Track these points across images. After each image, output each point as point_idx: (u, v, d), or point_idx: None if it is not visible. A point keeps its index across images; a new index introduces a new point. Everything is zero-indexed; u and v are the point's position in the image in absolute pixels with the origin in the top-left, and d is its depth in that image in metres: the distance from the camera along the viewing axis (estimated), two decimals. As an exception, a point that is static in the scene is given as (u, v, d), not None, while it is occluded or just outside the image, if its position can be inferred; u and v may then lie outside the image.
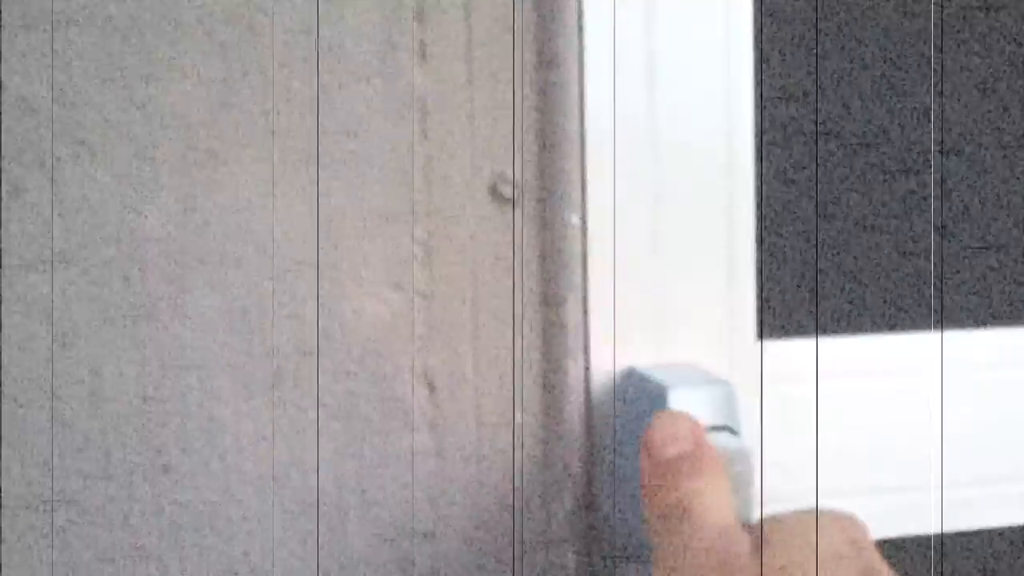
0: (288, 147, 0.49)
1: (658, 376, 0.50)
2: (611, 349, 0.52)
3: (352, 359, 0.50)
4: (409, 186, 0.50)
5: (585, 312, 0.52)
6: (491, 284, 0.52)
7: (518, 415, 0.52)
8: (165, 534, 0.48)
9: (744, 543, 0.39)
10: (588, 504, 0.53)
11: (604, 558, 0.52)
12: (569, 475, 0.52)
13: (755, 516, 0.45)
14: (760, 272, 0.55)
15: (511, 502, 0.52)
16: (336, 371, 0.50)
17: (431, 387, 0.51)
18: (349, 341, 0.50)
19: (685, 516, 0.41)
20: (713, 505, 0.41)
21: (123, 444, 0.47)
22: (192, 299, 0.48)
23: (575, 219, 0.51)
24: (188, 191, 0.47)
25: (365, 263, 0.50)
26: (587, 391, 0.52)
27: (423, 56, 0.50)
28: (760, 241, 0.55)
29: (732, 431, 0.47)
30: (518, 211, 0.52)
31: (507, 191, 0.51)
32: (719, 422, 0.48)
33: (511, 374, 0.52)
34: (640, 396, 0.50)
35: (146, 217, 0.47)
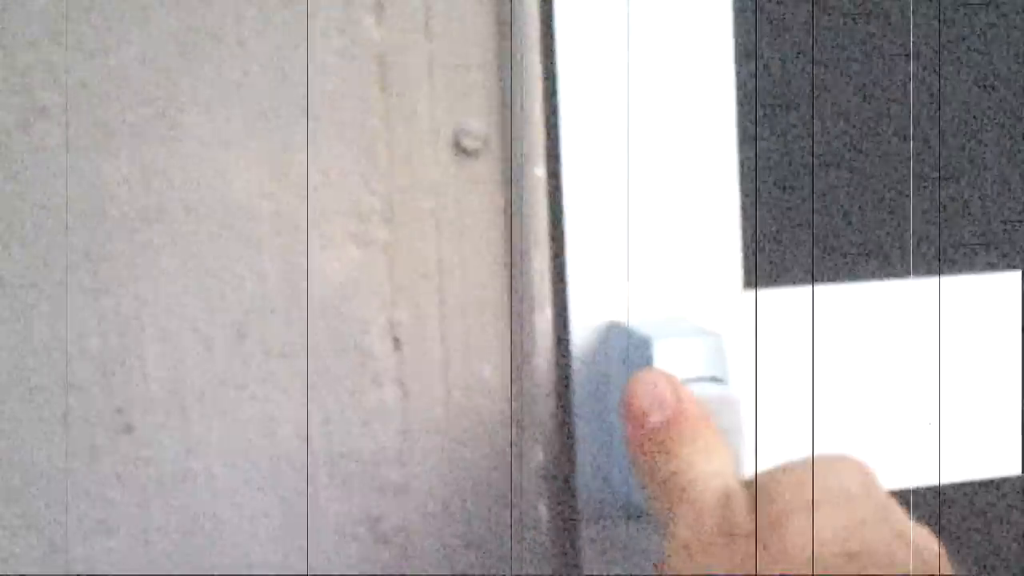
0: (247, 103, 0.48)
1: (643, 330, 0.48)
2: (592, 303, 0.51)
3: (315, 314, 0.49)
4: (369, 140, 0.50)
5: (561, 266, 0.51)
6: (454, 238, 0.51)
7: (515, 385, 0.52)
8: (128, 495, 0.47)
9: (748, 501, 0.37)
10: (561, 458, 0.52)
11: (585, 519, 0.51)
12: (540, 431, 0.51)
13: (749, 466, 0.44)
14: (755, 218, 0.54)
15: (480, 456, 0.51)
16: (300, 327, 0.49)
17: (396, 342, 0.51)
18: (312, 296, 0.49)
19: (686, 487, 0.39)
20: (711, 470, 0.40)
21: (83, 404, 0.47)
22: (151, 256, 0.47)
23: (538, 171, 0.51)
24: (147, 148, 0.47)
25: (325, 218, 0.49)
26: (559, 345, 0.51)
27: (381, 8, 0.50)
28: (755, 185, 0.54)
29: (717, 380, 0.46)
30: (482, 163, 0.51)
31: (470, 144, 0.51)
32: (708, 374, 0.46)
33: (477, 328, 0.51)
34: (624, 350, 0.49)
35: (104, 174, 0.46)
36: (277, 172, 0.48)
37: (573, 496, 0.51)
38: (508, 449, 0.52)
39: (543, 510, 0.52)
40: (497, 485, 0.52)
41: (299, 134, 0.49)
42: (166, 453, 0.48)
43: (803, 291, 0.55)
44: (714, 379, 0.46)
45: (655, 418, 0.42)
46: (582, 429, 0.51)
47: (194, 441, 0.48)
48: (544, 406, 0.51)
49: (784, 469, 0.38)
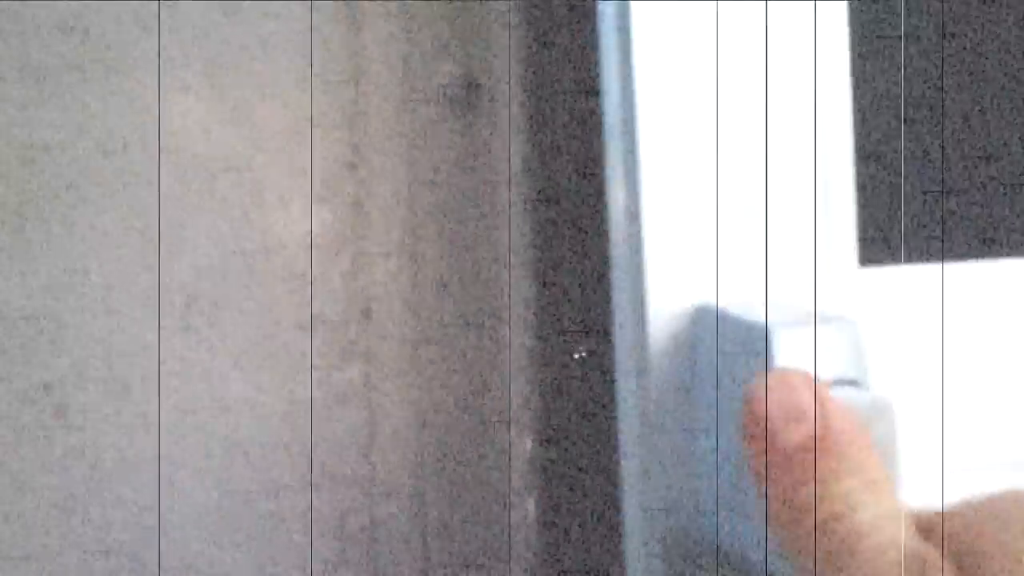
0: (196, 48, 0.43)
1: (747, 315, 0.37)
2: (670, 286, 0.41)
3: (278, 280, 0.44)
4: (338, 88, 0.45)
5: (637, 242, 0.44)
6: (430, 195, 0.46)
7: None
8: (59, 485, 0.41)
9: (923, 541, 0.28)
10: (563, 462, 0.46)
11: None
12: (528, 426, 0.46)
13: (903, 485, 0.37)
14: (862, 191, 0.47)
15: (450, 439, 0.46)
16: (259, 296, 0.43)
17: (366, 313, 0.45)
18: (273, 261, 0.44)
19: (850, 538, 0.29)
20: (881, 512, 0.30)
21: (6, 379, 0.40)
22: (89, 212, 0.41)
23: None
24: (81, 98, 0.41)
25: (291, 173, 0.44)
26: (638, 328, 0.43)
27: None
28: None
29: (854, 382, 0.36)
30: (480, 117, 0.46)
31: (463, 94, 0.45)
32: (844, 373, 0.36)
33: (452, 297, 0.45)
34: (726, 341, 0.38)
35: (36, 127, 0.40)
36: (238, 121, 0.43)
37: (618, 537, 0.44)
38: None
39: (528, 442, 0.46)
40: (485, 414, 0.46)
41: (260, 83, 0.43)
42: (104, 438, 0.41)
43: (923, 270, 0.47)
44: (852, 382, 0.36)
45: (796, 435, 0.31)
46: (662, 445, 0.41)
47: (136, 424, 0.42)
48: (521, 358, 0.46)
49: (959, 515, 0.29)
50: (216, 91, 0.43)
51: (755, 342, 0.36)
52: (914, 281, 0.45)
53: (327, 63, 0.45)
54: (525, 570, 0.47)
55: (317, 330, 0.44)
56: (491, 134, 0.47)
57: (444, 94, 0.46)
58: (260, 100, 0.44)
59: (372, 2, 0.45)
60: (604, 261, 0.44)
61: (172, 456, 0.42)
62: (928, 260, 0.46)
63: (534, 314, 0.46)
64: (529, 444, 0.47)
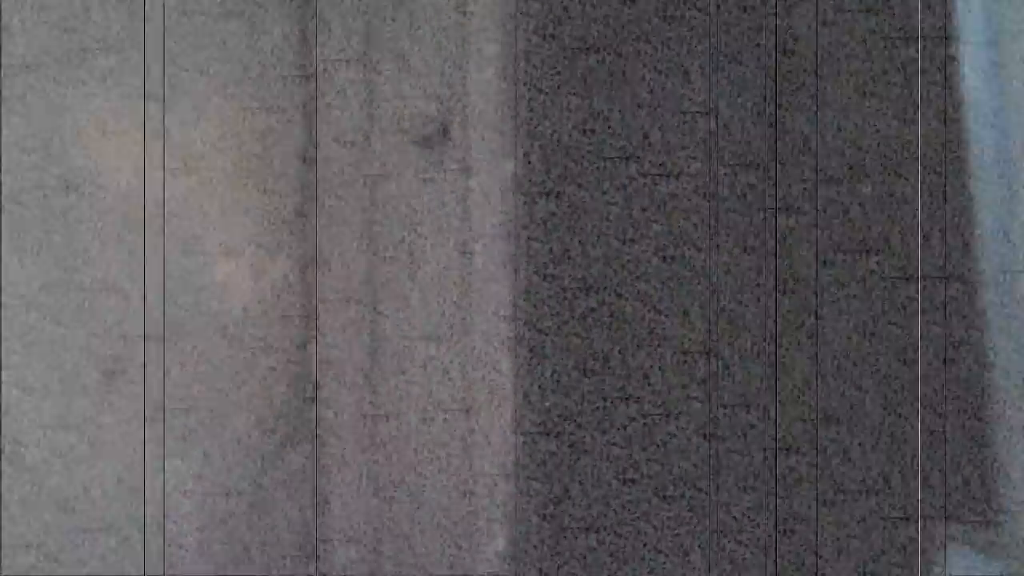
0: (130, 83, 0.38)
1: None
2: None
3: (213, 345, 0.39)
4: (288, 123, 0.40)
5: None
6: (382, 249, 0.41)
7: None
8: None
9: None
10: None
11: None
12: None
13: None
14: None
15: (421, 526, 0.41)
16: (192, 362, 0.38)
17: (315, 387, 0.40)
18: (209, 323, 0.39)
19: None
20: None
21: None
22: (13, 262, 0.37)
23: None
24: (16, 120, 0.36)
25: (232, 224, 0.39)
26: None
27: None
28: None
29: None
30: (447, 156, 0.41)
31: (430, 132, 0.41)
32: None
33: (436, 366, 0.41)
34: None
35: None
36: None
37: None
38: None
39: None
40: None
41: (198, 118, 0.38)
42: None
43: None
44: None
45: None
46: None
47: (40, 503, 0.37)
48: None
49: None
50: (153, 126, 0.39)
51: None
52: None
53: (277, 101, 0.40)
54: None
55: (259, 407, 0.39)
56: (465, 177, 0.43)
57: (420, 135, 0.43)
58: (195, 144, 0.39)
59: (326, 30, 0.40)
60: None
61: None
62: None
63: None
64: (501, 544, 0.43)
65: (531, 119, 0.44)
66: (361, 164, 0.42)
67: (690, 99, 0.60)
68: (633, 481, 0.60)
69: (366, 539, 0.40)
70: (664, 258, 0.61)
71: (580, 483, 0.52)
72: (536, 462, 0.49)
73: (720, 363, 0.61)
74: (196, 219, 0.38)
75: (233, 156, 0.39)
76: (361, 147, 0.42)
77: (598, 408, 0.58)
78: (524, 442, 0.47)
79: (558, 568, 0.43)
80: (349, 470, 0.41)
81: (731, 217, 0.60)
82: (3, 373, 0.37)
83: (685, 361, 0.59)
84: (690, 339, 0.59)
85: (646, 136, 0.62)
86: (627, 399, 0.60)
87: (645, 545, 0.60)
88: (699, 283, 0.62)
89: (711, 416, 0.62)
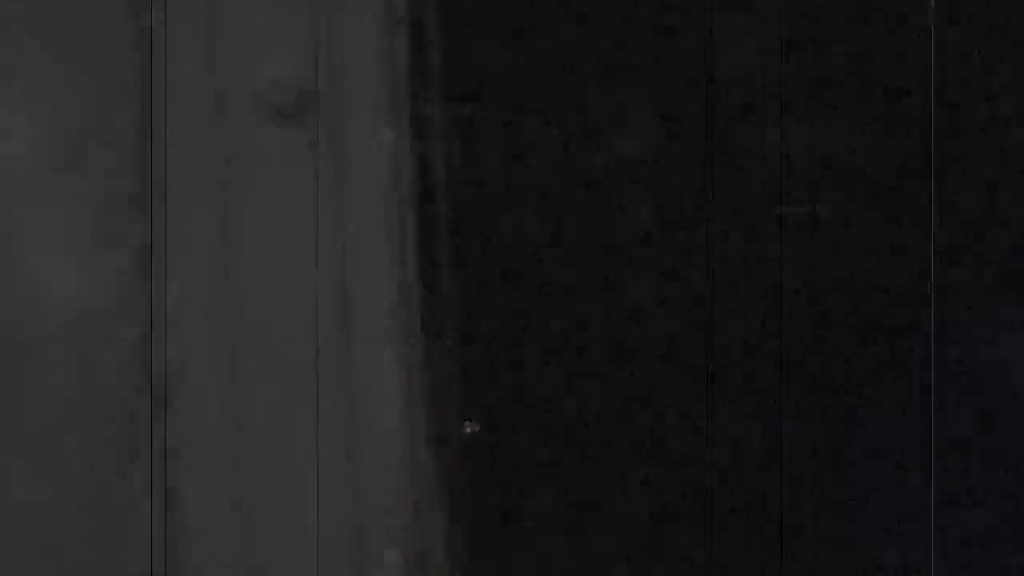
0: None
1: None
2: None
3: (39, 357, 0.33)
4: (122, 101, 0.35)
5: None
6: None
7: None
8: None
9: None
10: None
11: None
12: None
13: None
14: None
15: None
16: (14, 378, 0.33)
17: (168, 391, 0.35)
18: (27, 331, 0.34)
19: None
20: None
21: None
22: None
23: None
24: None
25: (52, 215, 0.34)
26: None
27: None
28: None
29: None
30: (304, 132, 0.38)
31: (288, 109, 0.37)
32: None
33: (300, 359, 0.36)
34: None
35: None
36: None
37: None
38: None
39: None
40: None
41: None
42: None
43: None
44: None
45: None
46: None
47: None
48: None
49: None
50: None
51: None
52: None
53: (111, 77, 0.36)
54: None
55: (98, 424, 0.34)
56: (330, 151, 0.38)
57: (273, 108, 0.39)
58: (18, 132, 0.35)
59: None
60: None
61: None
62: None
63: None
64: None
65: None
66: (209, 141, 0.37)
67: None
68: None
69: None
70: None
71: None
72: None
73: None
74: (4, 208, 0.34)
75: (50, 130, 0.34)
76: (208, 120, 0.37)
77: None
78: (412, 447, 0.44)
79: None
80: (209, 490, 0.37)
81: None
82: None
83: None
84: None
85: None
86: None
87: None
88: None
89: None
